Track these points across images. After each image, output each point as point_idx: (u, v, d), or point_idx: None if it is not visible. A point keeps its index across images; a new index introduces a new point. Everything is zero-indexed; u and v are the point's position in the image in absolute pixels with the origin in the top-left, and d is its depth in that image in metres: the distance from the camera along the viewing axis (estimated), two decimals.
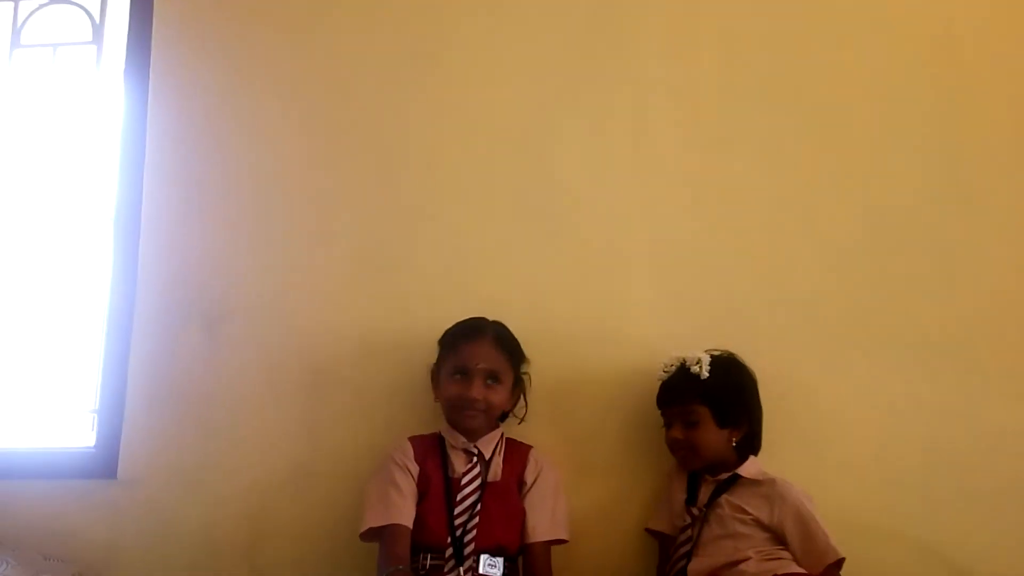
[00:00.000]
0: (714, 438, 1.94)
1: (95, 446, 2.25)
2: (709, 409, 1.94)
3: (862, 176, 2.24)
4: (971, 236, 2.19)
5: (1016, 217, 2.20)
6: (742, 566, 1.83)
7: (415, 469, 1.97)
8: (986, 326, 2.15)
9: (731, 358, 2.02)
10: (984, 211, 2.21)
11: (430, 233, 2.27)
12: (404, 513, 1.90)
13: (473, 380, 1.97)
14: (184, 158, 2.36)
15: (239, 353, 2.25)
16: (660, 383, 2.03)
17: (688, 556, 1.90)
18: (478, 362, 1.98)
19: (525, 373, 2.08)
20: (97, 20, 2.49)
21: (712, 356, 1.99)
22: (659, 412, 2.03)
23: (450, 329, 2.06)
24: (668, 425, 1.99)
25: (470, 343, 2.00)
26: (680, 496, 1.99)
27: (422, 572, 1.88)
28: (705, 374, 1.95)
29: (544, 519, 1.97)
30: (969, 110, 2.25)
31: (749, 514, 1.89)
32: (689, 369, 1.97)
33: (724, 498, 1.93)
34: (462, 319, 2.07)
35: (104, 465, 2.22)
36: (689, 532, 1.92)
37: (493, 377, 1.99)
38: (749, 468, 1.96)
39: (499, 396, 2.00)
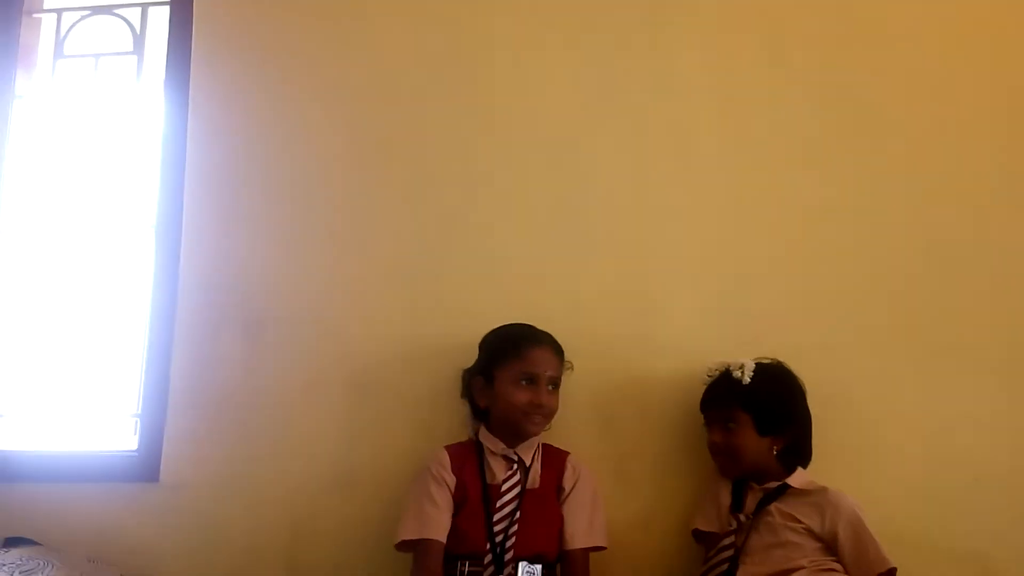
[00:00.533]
0: (753, 445, 1.93)
1: (137, 450, 2.27)
2: (750, 415, 1.93)
3: (911, 182, 2.20)
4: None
5: None
6: (795, 575, 1.81)
7: (452, 480, 1.96)
8: None
9: (778, 366, 2.00)
10: None
11: (469, 239, 2.27)
12: (439, 527, 1.90)
13: (541, 386, 1.98)
14: (224, 165, 2.38)
15: (279, 359, 2.26)
16: (704, 387, 2.02)
17: (732, 562, 1.88)
18: (546, 368, 1.99)
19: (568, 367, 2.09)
20: (138, 31, 2.52)
21: (758, 363, 1.97)
22: (702, 417, 2.03)
23: (510, 334, 2.04)
24: (709, 429, 2.00)
25: (537, 349, 2.01)
26: (725, 500, 1.97)
27: None
28: (747, 380, 1.94)
29: (582, 526, 1.96)
30: (1022, 113, 2.20)
31: (801, 522, 1.87)
32: (732, 374, 1.97)
33: (775, 506, 1.91)
34: (506, 324, 2.06)
35: (146, 469, 2.24)
36: (733, 539, 1.90)
37: (555, 383, 2.01)
38: (797, 479, 1.94)
39: (557, 400, 2.02)
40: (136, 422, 2.32)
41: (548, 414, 2.00)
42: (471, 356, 2.07)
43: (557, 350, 2.03)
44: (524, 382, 1.98)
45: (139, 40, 2.51)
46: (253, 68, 2.41)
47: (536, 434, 2.01)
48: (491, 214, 2.28)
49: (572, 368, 2.08)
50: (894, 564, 1.81)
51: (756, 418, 1.93)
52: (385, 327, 2.25)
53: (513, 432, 2.01)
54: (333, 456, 2.19)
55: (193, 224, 2.35)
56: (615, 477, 2.11)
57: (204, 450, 2.24)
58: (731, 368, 1.98)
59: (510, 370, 1.99)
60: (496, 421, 2.03)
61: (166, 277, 2.33)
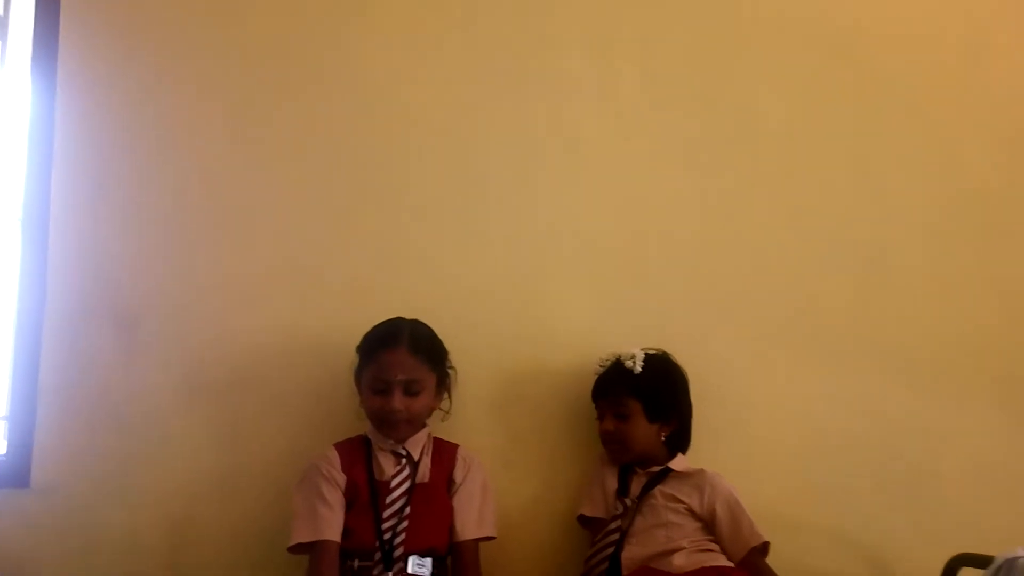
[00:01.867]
0: (643, 432, 2.01)
1: (6, 454, 2.15)
2: (640, 403, 2.01)
3: (785, 180, 2.32)
4: (884, 239, 2.31)
5: (928, 216, 2.32)
6: (674, 556, 1.90)
7: (342, 479, 1.94)
8: (896, 327, 2.28)
9: (665, 357, 2.09)
10: (900, 215, 2.33)
11: (353, 233, 2.24)
12: (333, 528, 1.88)
13: (393, 392, 1.94)
14: (95, 155, 2.26)
15: (156, 357, 2.17)
16: (596, 377, 2.08)
17: (617, 545, 1.95)
18: (396, 373, 1.94)
19: (451, 368, 2.07)
20: (1, 12, 2.37)
21: (647, 353, 2.05)
22: (593, 406, 2.09)
23: (367, 335, 2.02)
24: (600, 417, 2.05)
25: (386, 353, 1.96)
26: (612, 485, 2.04)
27: (350, 575, 1.86)
28: (638, 369, 2.01)
29: (472, 518, 1.98)
30: (886, 111, 2.35)
31: (682, 502, 1.97)
32: (623, 364, 2.03)
33: (658, 489, 1.99)
34: (378, 323, 2.03)
35: (16, 473, 2.12)
36: (619, 522, 1.97)
37: (413, 387, 1.96)
38: (678, 463, 2.04)
39: (421, 403, 1.98)
40: (4, 425, 2.20)
41: (406, 418, 1.96)
42: (355, 352, 2.04)
43: (419, 350, 1.97)
44: (377, 389, 1.96)
45: (2, 22, 2.36)
46: (125, 53, 2.29)
47: (399, 438, 1.99)
48: (374, 208, 2.25)
49: (452, 368, 2.07)
50: (767, 539, 1.93)
51: (646, 406, 2.01)
52: (268, 320, 2.19)
53: (382, 434, 1.99)
54: (216, 456, 2.13)
55: (61, 216, 2.22)
56: (505, 467, 2.15)
57: (78, 452, 2.13)
58: (622, 358, 2.05)
59: (366, 376, 1.98)
60: (371, 422, 2.02)
61: (33, 271, 2.20)
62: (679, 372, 2.09)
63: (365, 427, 2.04)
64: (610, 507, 2.02)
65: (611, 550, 1.95)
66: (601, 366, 2.09)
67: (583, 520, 2.08)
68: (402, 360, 1.95)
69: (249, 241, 2.23)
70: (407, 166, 2.27)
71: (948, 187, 2.33)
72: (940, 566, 1.97)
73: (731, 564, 1.90)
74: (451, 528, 1.96)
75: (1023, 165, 2.37)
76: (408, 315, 2.05)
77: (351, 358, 2.05)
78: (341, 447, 2.00)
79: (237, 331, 2.19)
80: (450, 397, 2.09)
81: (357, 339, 2.04)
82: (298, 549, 1.88)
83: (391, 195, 2.26)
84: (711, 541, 1.95)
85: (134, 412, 2.15)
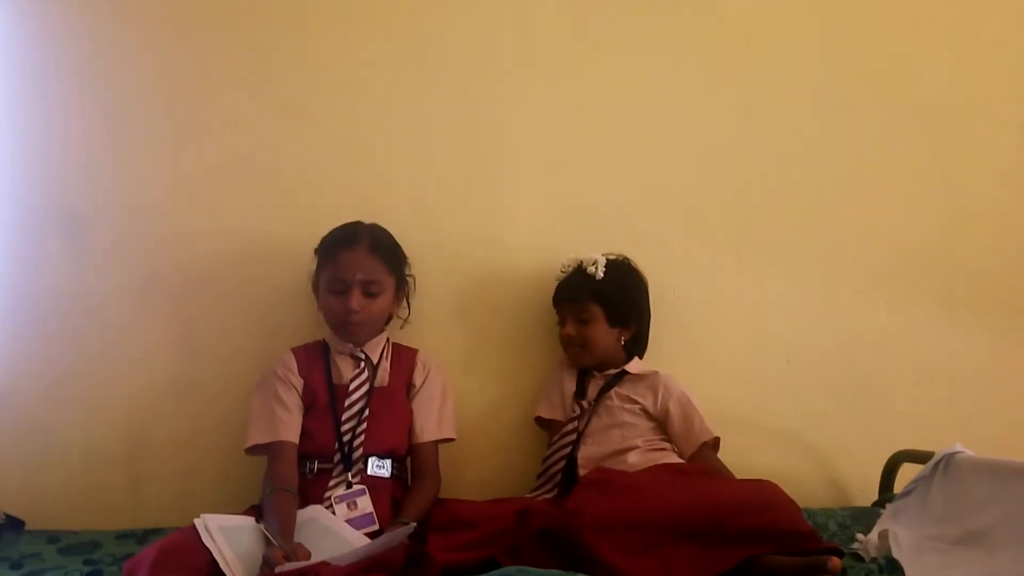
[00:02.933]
0: (604, 336, 2.03)
1: None
2: (601, 308, 2.02)
3: (745, 81, 2.30)
4: (840, 146, 2.31)
5: (885, 124, 2.32)
6: (628, 455, 1.94)
7: (299, 383, 1.95)
8: (846, 233, 2.30)
9: (625, 262, 2.10)
10: (857, 121, 2.32)
11: (307, 132, 2.19)
12: (289, 429, 1.88)
13: (352, 292, 1.92)
14: (37, 47, 2.16)
15: (107, 261, 2.13)
16: (558, 282, 2.09)
17: (573, 445, 1.99)
18: (355, 273, 1.92)
19: (409, 275, 2.06)
20: None
21: (608, 259, 2.05)
22: (553, 311, 2.10)
23: (325, 237, 1.99)
24: (562, 322, 2.07)
25: (345, 251, 1.93)
26: (570, 388, 2.07)
27: (309, 476, 1.88)
28: (600, 274, 2.02)
29: (432, 420, 2.00)
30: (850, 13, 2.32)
31: (637, 403, 2.01)
32: (585, 269, 2.04)
33: (614, 391, 2.03)
34: (339, 225, 2.00)
35: None
36: (576, 423, 2.01)
37: (372, 287, 1.94)
38: (634, 366, 2.07)
39: (379, 305, 1.96)
40: None
41: (364, 320, 1.94)
42: (312, 255, 2.02)
43: (378, 250, 1.95)
44: (336, 289, 1.93)
45: None
46: None
47: (358, 341, 1.98)
48: (329, 107, 2.20)
49: (412, 276, 2.06)
50: (717, 434, 1.99)
51: (607, 310, 2.02)
52: (224, 224, 2.16)
53: (340, 337, 1.99)
54: (171, 361, 2.12)
55: (2, 118, 2.15)
56: (465, 371, 2.17)
57: (32, 358, 2.11)
58: (584, 264, 2.05)
59: (324, 275, 1.96)
60: (329, 325, 2.01)
61: None
62: (639, 277, 2.10)
63: (324, 334, 2.03)
64: (567, 409, 2.06)
65: (568, 450, 1.99)
66: (563, 271, 2.09)
67: (540, 422, 2.11)
68: (361, 259, 1.93)
69: (198, 141, 2.18)
70: (362, 66, 2.21)
71: (905, 96, 2.33)
72: (882, 463, 2.06)
73: (681, 461, 1.95)
74: (411, 430, 1.98)
75: (978, 75, 2.36)
76: (365, 219, 2.02)
77: (307, 262, 2.02)
78: (298, 352, 2.00)
79: (191, 234, 2.16)
80: (408, 305, 2.08)
81: (312, 243, 2.01)
82: (255, 451, 1.90)
83: (346, 94, 2.20)
84: (664, 440, 2.00)
85: (88, 317, 2.13)
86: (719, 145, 2.27)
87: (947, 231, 2.32)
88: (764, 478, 1.70)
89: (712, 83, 2.28)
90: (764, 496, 1.61)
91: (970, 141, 2.35)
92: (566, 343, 2.06)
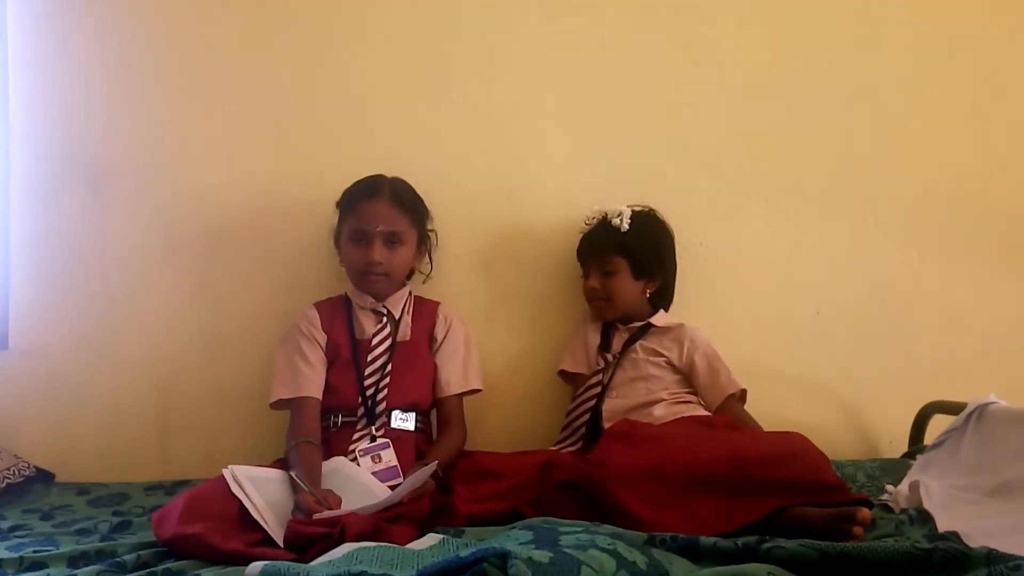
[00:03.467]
0: (629, 289, 2.00)
1: None
2: (627, 261, 1.99)
3: (770, 27, 2.23)
4: (870, 91, 2.23)
5: (919, 65, 2.25)
6: (653, 408, 1.93)
7: (322, 338, 1.94)
8: (878, 179, 2.24)
9: (651, 213, 2.06)
10: (888, 60, 2.24)
11: (325, 86, 2.17)
12: (313, 385, 1.89)
13: (373, 243, 1.90)
14: (57, 3, 2.15)
15: (129, 215, 2.14)
16: (581, 235, 2.06)
17: (599, 398, 1.98)
18: (377, 224, 1.90)
19: (431, 230, 2.04)
20: None
21: (633, 211, 2.02)
22: (577, 263, 2.07)
23: (348, 189, 1.97)
24: (586, 275, 2.04)
25: (368, 203, 1.91)
26: (594, 341, 2.05)
27: (333, 430, 1.88)
28: (625, 227, 1.98)
29: (456, 372, 1.99)
30: None
31: (662, 355, 1.99)
32: (610, 222, 2.00)
33: (639, 344, 2.01)
34: (362, 178, 1.97)
35: None
36: (600, 376, 2.00)
37: (394, 239, 1.92)
38: (660, 318, 2.05)
39: (401, 258, 1.95)
40: None
41: (386, 272, 1.93)
42: (334, 209, 2.00)
43: (401, 202, 1.93)
44: (357, 239, 1.92)
45: None
46: None
47: (379, 293, 1.97)
48: (351, 60, 2.17)
49: (434, 231, 2.04)
50: (743, 386, 1.96)
51: (632, 263, 1.99)
52: (242, 179, 2.15)
53: (360, 290, 1.98)
54: (196, 314, 2.13)
55: (21, 72, 2.14)
56: (488, 324, 2.15)
57: (56, 314, 2.13)
58: (609, 216, 2.01)
59: (346, 227, 1.94)
60: (349, 278, 2.00)
61: None
62: (665, 229, 2.06)
63: (345, 288, 2.02)
64: (592, 362, 2.04)
65: (592, 403, 1.98)
66: (587, 224, 2.05)
67: (564, 375, 2.10)
68: (383, 211, 1.91)
69: (220, 93, 2.16)
70: (379, 16, 2.17)
71: (938, 35, 2.25)
72: (913, 414, 2.03)
73: (707, 413, 1.93)
74: (436, 384, 1.98)
75: (1015, 9, 2.27)
76: (385, 172, 1.99)
77: (327, 217, 2.01)
78: (321, 306, 1.99)
79: (212, 188, 2.16)
80: (431, 260, 2.06)
81: (332, 197, 1.99)
82: (279, 405, 1.90)
83: (364, 46, 2.17)
84: (690, 393, 1.98)
85: (111, 273, 2.14)
86: (746, 91, 2.21)
87: (982, 176, 2.25)
88: (793, 430, 1.67)
89: (739, 26, 2.22)
90: (792, 447, 1.58)
91: (1006, 81, 2.26)
92: (590, 296, 2.03)
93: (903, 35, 2.24)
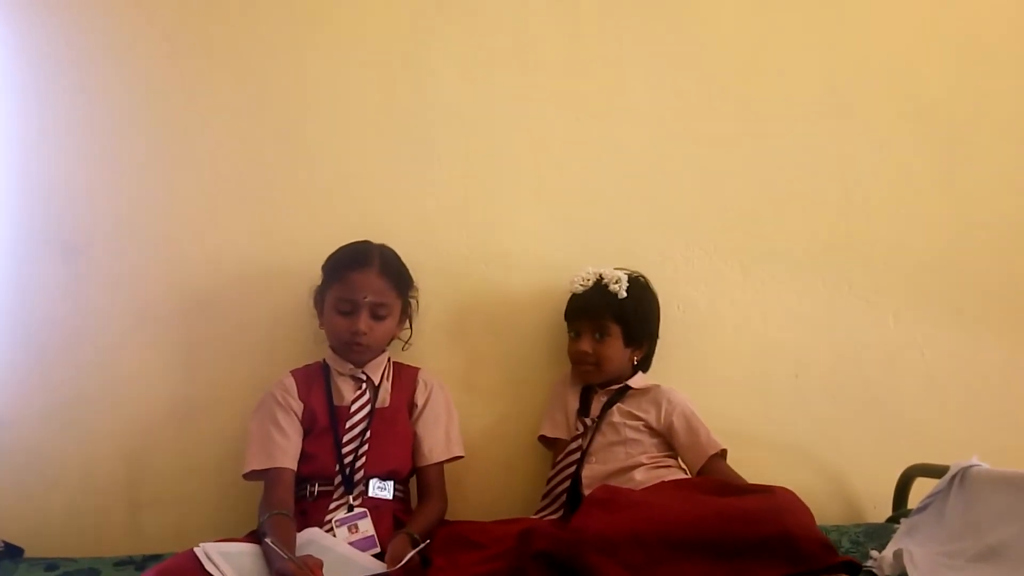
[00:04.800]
0: (619, 355, 2.00)
1: None
2: (620, 327, 1.98)
3: (747, 95, 2.28)
4: (844, 156, 2.28)
5: (890, 134, 2.29)
6: (634, 472, 1.91)
7: (299, 407, 1.92)
8: (852, 243, 2.26)
9: (643, 280, 2.07)
10: (858, 126, 2.29)
11: (306, 154, 2.18)
12: (287, 455, 1.85)
13: (360, 314, 1.89)
14: (31, 71, 2.16)
15: (104, 284, 2.12)
16: (573, 295, 2.04)
17: (578, 464, 1.96)
18: (365, 295, 1.89)
19: (414, 297, 2.04)
20: None
21: (628, 276, 2.02)
22: (558, 325, 2.07)
23: (334, 255, 1.96)
24: (576, 336, 2.02)
25: (356, 273, 1.90)
26: (573, 406, 2.04)
27: (309, 500, 1.85)
28: (623, 293, 1.98)
29: (439, 440, 1.97)
30: (850, 25, 2.30)
31: (640, 419, 1.97)
32: (607, 286, 1.99)
33: (617, 407, 1.99)
34: (346, 244, 1.98)
35: None
36: (580, 441, 1.98)
37: (381, 310, 1.92)
38: (637, 380, 2.04)
39: (385, 327, 1.94)
40: None
41: (370, 343, 1.92)
42: (312, 276, 1.99)
43: (388, 273, 1.93)
44: (344, 310, 1.91)
45: None
46: None
47: (360, 362, 1.96)
48: (326, 129, 2.18)
49: (416, 294, 2.04)
50: (724, 446, 1.94)
51: (625, 330, 1.99)
52: (222, 247, 2.15)
53: (342, 357, 1.97)
54: (171, 385, 2.10)
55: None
56: (466, 389, 2.14)
57: (30, 384, 2.10)
58: (605, 279, 2.00)
59: (332, 294, 1.93)
60: (330, 343, 1.99)
61: None
62: (654, 296, 2.07)
63: (323, 354, 2.01)
64: (571, 427, 2.02)
65: (572, 469, 1.96)
66: (582, 284, 2.02)
67: (545, 440, 2.08)
68: (371, 281, 1.90)
69: (197, 164, 2.17)
70: (357, 85, 2.20)
71: (908, 105, 2.30)
72: (895, 478, 2.02)
73: (687, 476, 1.91)
74: (417, 452, 1.95)
75: (981, 82, 2.33)
76: (364, 237, 2.00)
77: (309, 282, 2.00)
78: (298, 374, 1.97)
79: (189, 258, 2.15)
80: (411, 327, 2.06)
81: (313, 262, 1.98)
82: (252, 476, 1.86)
83: (342, 115, 2.19)
84: (670, 456, 1.97)
85: (85, 342, 2.12)
86: (721, 156, 2.25)
87: (954, 239, 2.28)
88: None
89: (712, 94, 2.26)
90: (779, 502, 1.53)
91: (974, 149, 2.31)
92: (579, 359, 2.01)
93: (872, 101, 2.29)
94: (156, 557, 1.86)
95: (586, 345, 1.98)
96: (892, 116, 2.30)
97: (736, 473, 1.91)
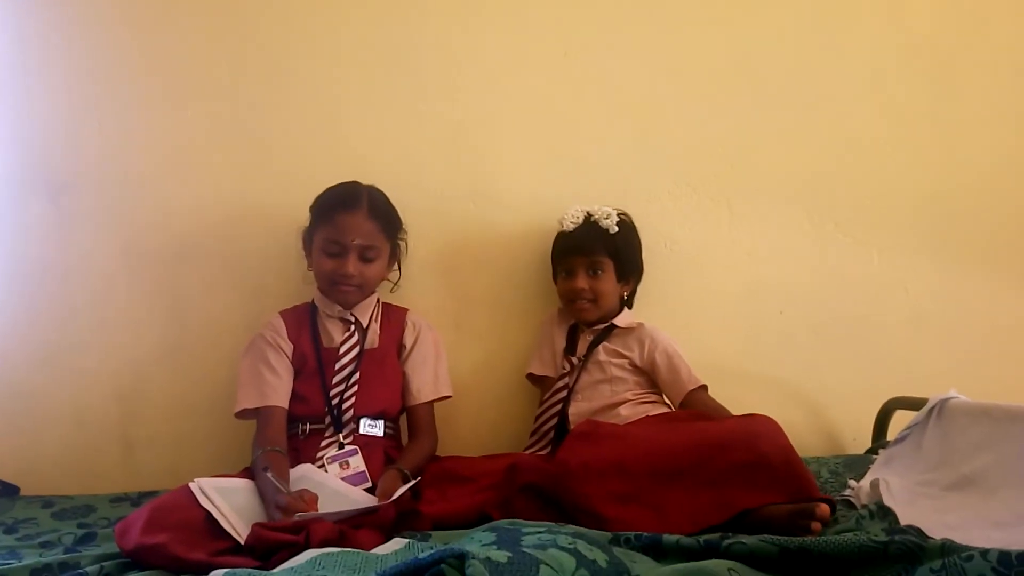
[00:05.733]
0: (613, 290, 2.02)
1: None
2: (613, 262, 2.00)
3: (732, 27, 2.25)
4: (830, 88, 2.27)
5: (877, 65, 2.28)
6: (619, 408, 1.94)
7: (288, 348, 1.93)
8: (838, 180, 2.27)
9: (628, 218, 2.07)
10: (847, 62, 2.28)
11: (292, 92, 2.16)
12: (278, 394, 1.87)
13: (348, 256, 1.89)
14: (16, 15, 2.13)
15: (91, 225, 2.13)
16: (561, 233, 2.04)
17: (565, 402, 1.99)
18: (353, 237, 1.88)
19: (403, 239, 2.04)
20: None
21: (617, 213, 2.02)
22: (545, 265, 2.08)
23: (323, 196, 1.95)
24: (569, 274, 2.02)
25: (344, 215, 1.89)
26: (560, 345, 2.06)
27: (301, 438, 1.87)
28: (615, 229, 1.99)
29: (427, 380, 1.99)
30: None
31: (625, 357, 2.00)
32: (598, 222, 2.00)
33: (603, 345, 2.02)
34: (335, 184, 1.96)
35: None
36: (567, 380, 2.00)
37: (369, 253, 1.91)
38: (622, 319, 2.05)
39: (374, 270, 1.94)
40: None
41: (358, 284, 1.92)
42: (300, 216, 1.99)
43: (377, 215, 1.92)
44: (331, 251, 1.90)
45: None
46: None
47: (348, 304, 1.96)
48: (315, 67, 2.16)
49: (405, 236, 2.03)
50: (704, 382, 1.97)
51: (618, 265, 2.00)
52: (208, 189, 2.14)
53: (327, 297, 1.97)
54: (161, 326, 2.12)
55: None
56: (455, 328, 2.16)
57: (19, 326, 2.11)
58: (595, 217, 2.00)
59: (320, 236, 1.92)
60: (318, 285, 1.99)
61: None
62: (638, 234, 2.08)
63: (311, 294, 2.01)
64: (559, 366, 2.04)
65: (559, 407, 1.99)
66: (572, 223, 2.02)
67: (533, 378, 2.11)
68: (360, 224, 1.89)
69: (181, 104, 2.15)
70: (343, 24, 2.17)
71: (895, 38, 2.28)
72: (876, 410, 2.06)
73: (671, 411, 1.94)
74: (406, 392, 1.98)
75: (967, 15, 2.31)
76: (352, 177, 1.99)
77: (296, 222, 2.00)
78: (287, 315, 1.98)
79: (175, 199, 2.14)
80: (400, 269, 2.06)
81: (301, 202, 1.98)
82: (244, 415, 1.89)
83: (328, 54, 2.17)
84: (654, 393, 2.00)
85: (73, 284, 2.12)
86: (709, 93, 2.24)
87: (939, 175, 2.28)
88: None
89: (701, 30, 2.24)
90: (756, 428, 1.56)
91: (962, 83, 2.30)
92: (574, 295, 2.00)
93: (862, 38, 2.28)
94: (151, 493, 1.90)
95: (582, 282, 1.99)
96: (882, 51, 2.29)
97: (719, 404, 1.94)
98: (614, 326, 2.04)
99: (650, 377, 2.01)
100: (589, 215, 2.01)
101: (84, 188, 2.13)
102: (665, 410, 1.94)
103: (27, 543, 1.62)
